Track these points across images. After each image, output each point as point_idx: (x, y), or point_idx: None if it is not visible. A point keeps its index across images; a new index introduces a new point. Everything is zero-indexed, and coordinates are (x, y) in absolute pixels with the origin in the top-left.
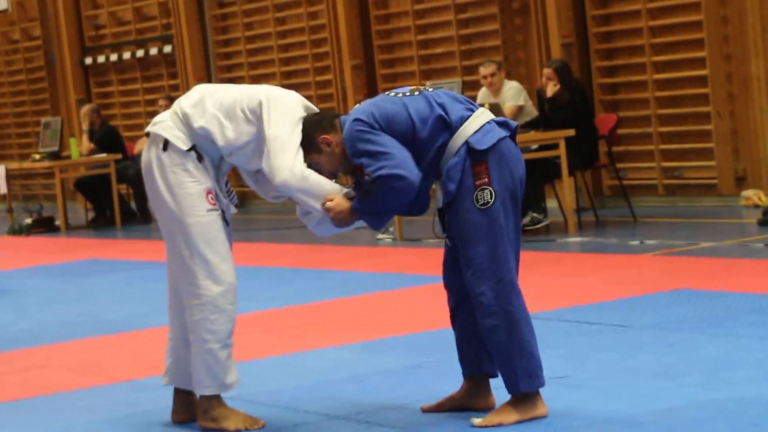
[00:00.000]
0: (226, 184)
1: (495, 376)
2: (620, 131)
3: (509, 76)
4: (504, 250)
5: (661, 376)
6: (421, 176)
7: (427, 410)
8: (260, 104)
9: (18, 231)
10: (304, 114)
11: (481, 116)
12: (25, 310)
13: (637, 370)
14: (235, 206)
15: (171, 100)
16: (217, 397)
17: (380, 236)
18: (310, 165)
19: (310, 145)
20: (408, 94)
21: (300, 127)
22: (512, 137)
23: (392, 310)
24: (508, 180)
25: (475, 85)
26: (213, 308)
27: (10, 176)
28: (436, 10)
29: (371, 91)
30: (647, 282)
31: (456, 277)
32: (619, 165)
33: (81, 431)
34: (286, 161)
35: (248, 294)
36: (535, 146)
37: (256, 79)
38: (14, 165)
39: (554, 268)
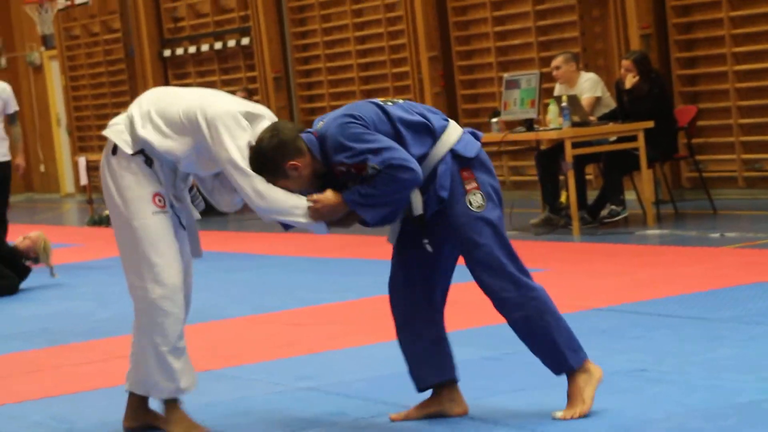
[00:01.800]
0: (191, 189)
1: (458, 380)
2: (700, 123)
3: (587, 68)
4: (508, 244)
5: (741, 370)
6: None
7: (395, 419)
8: (196, 117)
9: (98, 222)
10: (244, 116)
11: (456, 127)
12: (104, 300)
13: (716, 364)
14: (201, 211)
15: (249, 92)
16: (172, 401)
17: None
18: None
19: (276, 171)
20: (390, 102)
21: (245, 134)
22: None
23: (468, 302)
24: (493, 182)
25: (553, 78)
26: (159, 311)
27: (90, 168)
28: (514, 1)
29: (448, 83)
30: (727, 275)
31: (406, 294)
32: (698, 157)
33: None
34: (248, 188)
35: (320, 286)
36: (613, 138)
37: (332, 71)
38: (94, 157)
39: (633, 261)
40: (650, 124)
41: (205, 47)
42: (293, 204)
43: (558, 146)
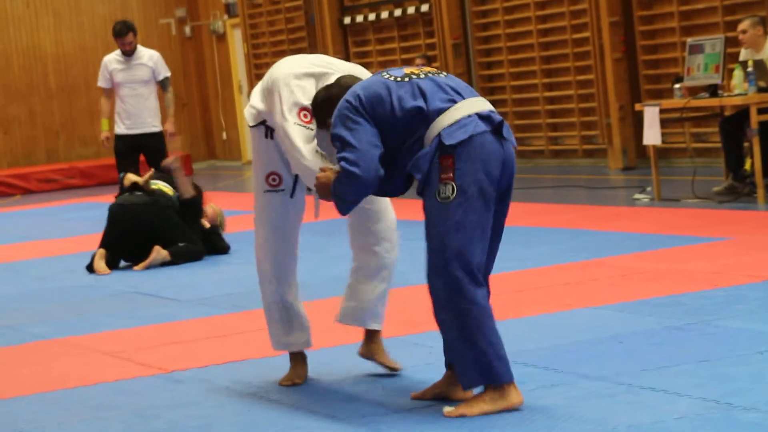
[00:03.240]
0: None
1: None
2: None
3: None
4: (460, 245)
5: None
6: (380, 175)
7: (415, 398)
8: (267, 80)
9: None
10: (307, 75)
11: (461, 108)
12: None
13: None
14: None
15: (428, 59)
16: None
17: (638, 196)
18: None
19: (320, 124)
20: (399, 79)
21: (294, 95)
22: (496, 132)
23: (651, 271)
24: (478, 175)
25: (739, 42)
26: (260, 282)
27: None
28: None
29: (629, 49)
30: None
31: None
32: None
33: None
34: (287, 142)
35: (501, 255)
36: None
37: (511, 38)
38: None
39: None
40: None
41: (384, 14)
42: (314, 171)
43: (743, 113)
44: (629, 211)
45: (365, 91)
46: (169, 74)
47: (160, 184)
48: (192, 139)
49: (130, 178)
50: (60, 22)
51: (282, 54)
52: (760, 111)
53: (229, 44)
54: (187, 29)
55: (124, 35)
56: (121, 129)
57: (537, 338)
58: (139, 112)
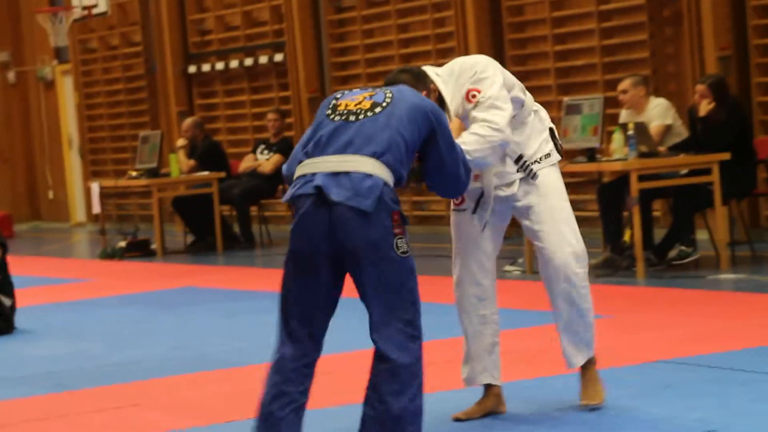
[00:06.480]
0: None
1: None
2: None
3: (657, 93)
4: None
5: None
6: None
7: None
8: None
9: (111, 255)
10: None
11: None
12: (116, 343)
13: None
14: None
15: (281, 114)
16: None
17: (508, 268)
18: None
19: None
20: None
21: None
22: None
23: (521, 351)
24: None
25: (619, 103)
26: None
27: (104, 195)
28: (577, 18)
29: None
30: None
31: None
32: None
33: None
34: None
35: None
36: (684, 171)
37: None
38: (109, 182)
39: (704, 308)
40: (726, 156)
41: (234, 63)
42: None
43: (622, 179)
44: (499, 284)
45: None
46: None
47: None
48: (14, 197)
49: None
50: None
51: (119, 105)
52: (641, 178)
53: (58, 93)
54: (11, 75)
55: None
56: None
57: None
58: None
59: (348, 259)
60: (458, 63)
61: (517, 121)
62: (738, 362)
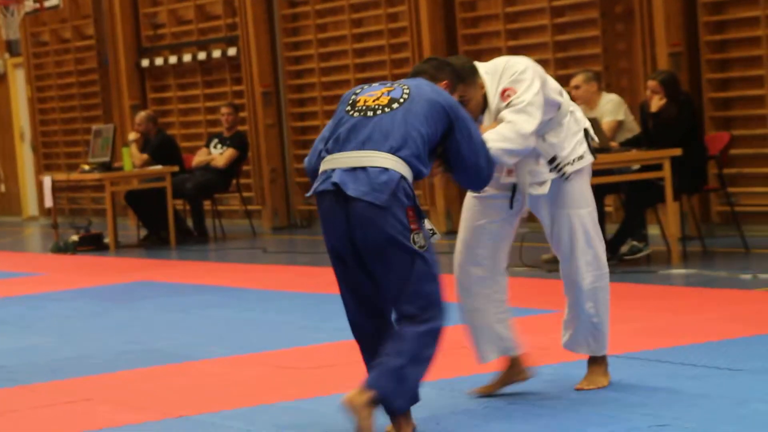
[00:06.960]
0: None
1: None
2: (733, 151)
3: (609, 89)
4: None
5: None
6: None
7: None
8: None
9: (63, 249)
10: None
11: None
12: (68, 337)
13: (748, 420)
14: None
15: (234, 108)
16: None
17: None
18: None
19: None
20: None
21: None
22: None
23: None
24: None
25: (571, 98)
26: None
27: (56, 188)
28: (530, 14)
29: None
30: (760, 321)
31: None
32: (730, 189)
33: None
34: None
35: (314, 324)
36: (636, 167)
37: (327, 87)
38: (61, 176)
39: (655, 303)
40: (677, 151)
41: (187, 57)
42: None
43: None
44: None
45: None
46: None
47: None
48: None
49: None
50: None
51: (71, 98)
52: (595, 173)
53: (10, 86)
54: None
55: None
56: None
57: (348, 420)
58: None
59: (366, 253)
60: (503, 61)
61: (554, 123)
62: (689, 357)
